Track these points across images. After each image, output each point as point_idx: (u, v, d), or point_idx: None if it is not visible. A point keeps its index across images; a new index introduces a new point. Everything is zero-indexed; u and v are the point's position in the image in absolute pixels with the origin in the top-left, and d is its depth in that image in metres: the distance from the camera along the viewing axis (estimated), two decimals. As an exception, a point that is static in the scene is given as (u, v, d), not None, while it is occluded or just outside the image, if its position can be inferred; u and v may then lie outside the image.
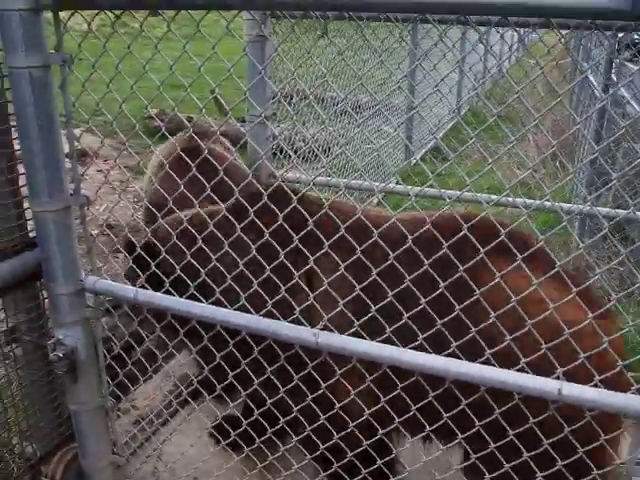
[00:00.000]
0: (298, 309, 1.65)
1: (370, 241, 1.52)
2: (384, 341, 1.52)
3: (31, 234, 1.86)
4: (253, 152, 2.84)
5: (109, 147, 4.21)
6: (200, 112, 1.63)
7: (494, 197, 3.11)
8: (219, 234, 1.74)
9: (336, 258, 1.66)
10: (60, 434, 2.12)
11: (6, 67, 1.59)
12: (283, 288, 1.68)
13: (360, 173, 4.21)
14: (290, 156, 3.62)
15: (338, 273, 1.63)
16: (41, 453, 2.07)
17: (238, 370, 1.83)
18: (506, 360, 1.46)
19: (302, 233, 1.61)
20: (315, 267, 1.67)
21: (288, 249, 1.64)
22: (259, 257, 1.69)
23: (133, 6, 1.52)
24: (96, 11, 1.59)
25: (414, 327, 1.54)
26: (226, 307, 1.70)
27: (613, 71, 4.55)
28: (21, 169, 1.75)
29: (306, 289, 1.75)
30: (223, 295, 1.78)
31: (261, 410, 1.89)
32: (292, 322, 1.61)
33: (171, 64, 1.56)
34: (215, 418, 2.49)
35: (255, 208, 1.63)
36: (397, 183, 5.22)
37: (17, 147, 1.76)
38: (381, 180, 5.34)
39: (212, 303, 1.71)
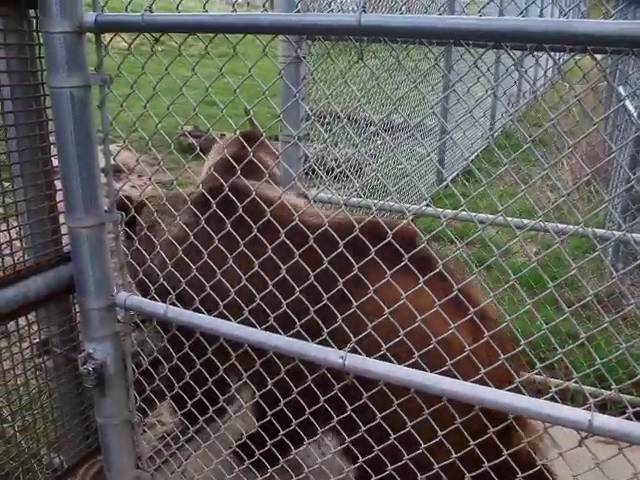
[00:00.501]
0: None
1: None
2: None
3: (65, 249, 1.90)
4: (285, 172, 2.86)
5: (143, 163, 4.28)
6: (234, 130, 1.66)
7: (526, 221, 3.08)
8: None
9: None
10: (87, 447, 2.15)
11: (48, 87, 1.63)
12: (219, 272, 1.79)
13: (392, 195, 4.21)
14: (321, 176, 3.63)
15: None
16: (68, 465, 2.09)
17: (265, 389, 1.83)
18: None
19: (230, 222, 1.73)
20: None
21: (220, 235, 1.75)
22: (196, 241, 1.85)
23: (172, 29, 1.55)
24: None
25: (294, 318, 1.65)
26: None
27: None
28: (58, 185, 1.80)
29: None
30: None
31: (286, 431, 1.89)
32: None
33: (207, 86, 1.58)
34: (240, 437, 2.48)
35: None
36: (428, 205, 5.21)
37: (55, 163, 1.80)
38: (413, 202, 5.33)
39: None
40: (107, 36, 1.67)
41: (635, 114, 4.51)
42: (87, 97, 1.65)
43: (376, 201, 3.44)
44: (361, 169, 4.63)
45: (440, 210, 2.97)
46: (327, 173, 4.07)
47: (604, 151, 6.45)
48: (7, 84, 1.70)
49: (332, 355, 1.56)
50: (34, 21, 1.74)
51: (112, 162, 1.77)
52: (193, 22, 1.52)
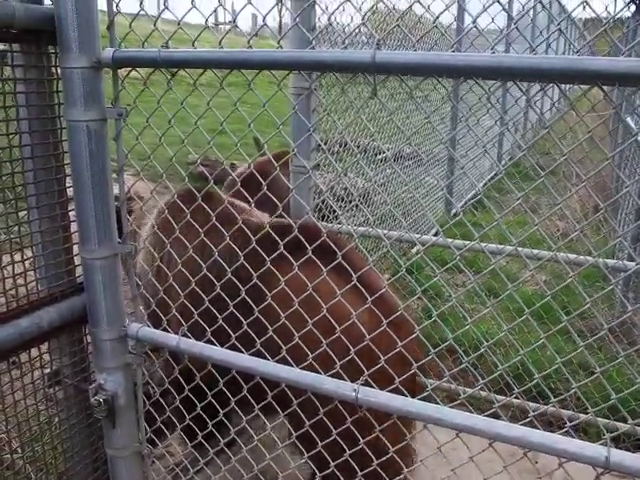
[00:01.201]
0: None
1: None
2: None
3: (79, 279, 1.91)
4: (297, 204, 2.87)
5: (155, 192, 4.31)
6: (244, 159, 1.68)
7: (536, 252, 3.08)
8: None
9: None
10: (96, 478, 2.13)
11: (65, 120, 1.66)
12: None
13: (400, 223, 4.23)
14: (331, 207, 3.65)
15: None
16: (77, 497, 2.07)
17: (277, 421, 1.82)
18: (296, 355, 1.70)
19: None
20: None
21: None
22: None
23: (188, 65, 1.58)
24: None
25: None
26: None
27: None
28: (72, 216, 1.82)
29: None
30: None
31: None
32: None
33: (222, 120, 1.60)
34: (251, 470, 2.46)
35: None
36: (437, 234, 5.22)
37: (70, 194, 1.82)
38: (422, 229, 5.34)
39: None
40: (124, 71, 1.70)
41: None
42: (103, 130, 1.67)
43: (386, 231, 3.44)
44: (370, 198, 4.65)
45: (450, 240, 2.98)
46: (337, 202, 4.08)
47: (612, 180, 6.46)
48: (26, 117, 1.72)
49: (345, 388, 1.56)
50: (53, 56, 1.76)
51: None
52: (209, 58, 1.54)
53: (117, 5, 1.68)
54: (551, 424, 3.23)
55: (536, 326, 1.62)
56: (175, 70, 1.63)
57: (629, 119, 5.74)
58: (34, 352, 1.86)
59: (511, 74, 1.30)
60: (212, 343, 1.73)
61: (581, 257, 3.00)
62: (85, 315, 1.82)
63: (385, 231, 3.40)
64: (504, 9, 1.63)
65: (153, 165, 1.81)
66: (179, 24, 1.62)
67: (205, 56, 1.55)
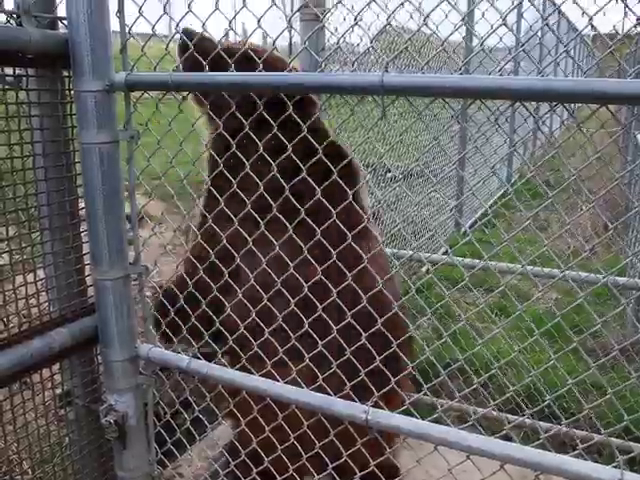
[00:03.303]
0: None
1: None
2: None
3: (90, 300, 1.92)
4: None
5: (165, 211, 4.35)
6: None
7: (546, 270, 3.07)
8: None
9: None
10: (106, 500, 2.13)
11: (79, 143, 1.68)
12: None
13: (409, 242, 4.22)
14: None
15: None
16: (86, 518, 2.07)
17: (287, 444, 1.81)
18: None
19: None
20: None
21: None
22: None
23: (200, 88, 1.60)
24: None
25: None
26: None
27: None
28: (84, 237, 1.84)
29: None
30: None
31: None
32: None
33: (233, 142, 1.62)
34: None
35: None
36: (446, 252, 5.21)
37: (82, 215, 1.84)
38: (431, 247, 5.33)
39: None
40: (137, 94, 1.72)
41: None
42: (115, 152, 1.70)
43: (395, 250, 3.45)
44: (380, 217, 4.66)
45: (460, 259, 2.97)
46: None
47: (623, 197, 6.43)
48: (39, 140, 1.74)
49: (355, 409, 1.55)
50: (67, 80, 1.79)
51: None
52: (221, 81, 1.56)
53: (130, 29, 1.72)
54: (564, 444, 3.19)
55: (547, 346, 1.61)
56: (186, 93, 1.65)
57: (639, 136, 5.73)
58: (45, 372, 1.87)
59: (517, 96, 1.31)
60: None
61: (592, 275, 2.98)
62: (96, 336, 1.83)
63: (395, 250, 3.41)
64: (510, 30, 1.64)
65: (163, 184, 1.83)
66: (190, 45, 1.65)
67: (218, 79, 1.57)
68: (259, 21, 1.56)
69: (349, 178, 1.81)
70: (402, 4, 1.71)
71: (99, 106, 1.64)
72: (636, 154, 6.01)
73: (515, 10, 7.23)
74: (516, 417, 2.97)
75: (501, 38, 2.99)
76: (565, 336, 3.64)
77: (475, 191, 5.75)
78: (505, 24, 1.46)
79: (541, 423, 3.01)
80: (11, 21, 1.67)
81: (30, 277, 1.81)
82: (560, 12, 9.82)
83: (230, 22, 1.71)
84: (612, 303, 4.35)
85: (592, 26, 1.40)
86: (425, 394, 1.60)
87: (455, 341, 3.58)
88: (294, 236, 1.65)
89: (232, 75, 1.55)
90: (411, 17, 3.27)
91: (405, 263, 4.19)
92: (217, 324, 1.86)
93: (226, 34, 2.02)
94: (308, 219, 1.57)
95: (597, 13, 1.36)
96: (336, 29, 3.38)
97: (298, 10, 2.68)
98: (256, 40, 2.19)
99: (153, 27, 1.70)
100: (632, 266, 4.91)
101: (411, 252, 3.22)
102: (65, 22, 1.67)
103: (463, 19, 1.55)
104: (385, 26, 3.50)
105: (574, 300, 1.45)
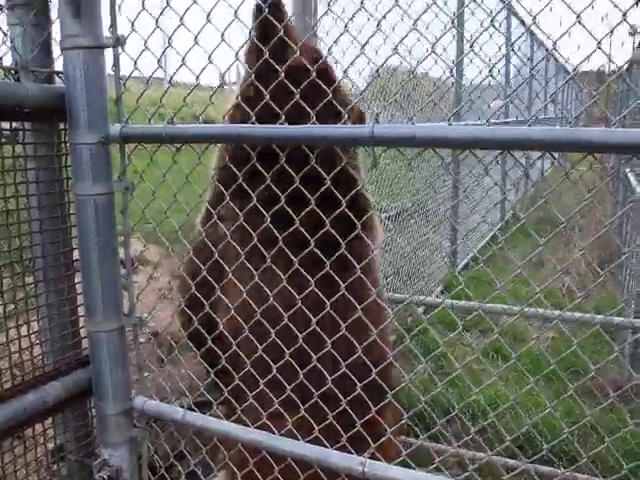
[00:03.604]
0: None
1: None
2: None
3: (84, 351, 1.91)
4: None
5: (158, 255, 4.37)
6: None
7: (542, 311, 3.06)
8: None
9: None
10: None
11: (74, 194, 1.69)
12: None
13: (405, 282, 4.22)
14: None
15: None
16: None
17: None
18: None
19: None
20: None
21: None
22: None
23: (194, 140, 1.62)
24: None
25: None
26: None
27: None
28: (79, 289, 1.83)
29: None
30: None
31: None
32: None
33: (226, 193, 1.63)
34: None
35: None
36: (442, 292, 5.22)
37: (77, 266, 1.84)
38: (426, 287, 5.33)
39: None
40: (131, 146, 1.74)
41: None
42: (110, 203, 1.70)
43: (390, 293, 3.45)
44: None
45: (454, 302, 2.97)
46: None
47: (615, 233, 6.49)
48: (35, 193, 1.76)
49: (352, 462, 1.53)
50: (62, 132, 1.81)
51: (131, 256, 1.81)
52: (214, 134, 1.59)
53: (125, 82, 1.74)
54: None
55: (544, 388, 1.60)
56: (180, 145, 1.67)
57: (630, 174, 5.79)
58: (38, 426, 1.85)
59: (503, 146, 1.33)
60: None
61: (587, 315, 2.98)
62: (90, 388, 1.81)
63: (390, 293, 3.40)
64: (495, 78, 1.67)
65: (160, 229, 1.84)
66: (185, 99, 1.67)
67: (211, 132, 1.59)
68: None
69: (367, 233, 1.80)
70: (396, 50, 1.75)
71: (94, 158, 1.65)
72: (626, 195, 6.08)
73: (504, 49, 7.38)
74: (515, 461, 2.93)
75: (492, 76, 3.04)
76: (562, 376, 3.62)
77: (471, 231, 5.79)
78: (492, 75, 1.49)
79: (541, 467, 2.97)
80: (9, 77, 1.70)
81: (24, 329, 1.80)
82: (548, 50, 10.03)
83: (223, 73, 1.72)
84: (608, 342, 4.35)
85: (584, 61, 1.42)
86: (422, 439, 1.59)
87: (451, 383, 3.55)
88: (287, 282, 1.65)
89: (226, 127, 1.58)
90: (401, 61, 3.34)
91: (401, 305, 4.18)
92: (212, 375, 1.85)
93: (223, 75, 2.04)
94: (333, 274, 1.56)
95: (583, 59, 1.40)
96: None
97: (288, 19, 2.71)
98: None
99: (147, 80, 1.73)
100: (627, 303, 4.91)
101: (408, 296, 3.21)
102: (62, 76, 1.70)
103: (454, 62, 1.58)
104: (378, 69, 3.56)
105: (570, 339, 1.45)
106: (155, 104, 1.82)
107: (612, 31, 1.29)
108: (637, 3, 1.22)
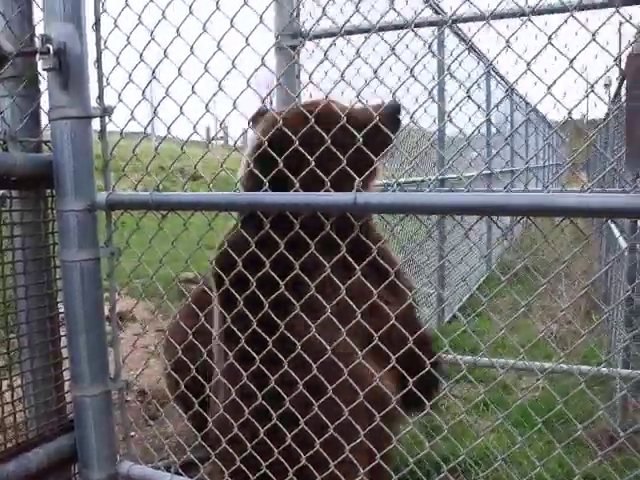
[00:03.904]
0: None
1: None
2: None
3: (69, 416, 1.89)
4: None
5: (146, 311, 4.37)
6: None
7: (530, 363, 3.07)
8: None
9: None
10: None
11: (60, 260, 1.71)
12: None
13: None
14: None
15: None
16: None
17: None
18: None
19: None
20: None
21: None
22: None
23: (180, 208, 1.66)
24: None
25: None
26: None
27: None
28: (65, 353, 1.83)
29: None
30: None
31: None
32: None
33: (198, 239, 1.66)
34: None
35: None
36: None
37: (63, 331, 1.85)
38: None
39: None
40: (117, 213, 1.77)
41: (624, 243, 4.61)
42: (96, 269, 1.73)
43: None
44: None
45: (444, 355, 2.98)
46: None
47: (602, 280, 6.53)
48: (21, 259, 1.77)
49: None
50: (49, 199, 1.84)
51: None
52: (199, 202, 1.62)
53: (112, 151, 1.79)
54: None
55: (531, 440, 1.61)
56: (166, 212, 1.70)
57: (612, 225, 5.88)
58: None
59: (481, 211, 1.37)
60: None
61: (574, 367, 3.01)
62: (74, 454, 1.79)
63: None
64: (489, 120, 1.72)
65: (148, 285, 1.86)
66: (173, 167, 1.72)
67: (195, 200, 1.63)
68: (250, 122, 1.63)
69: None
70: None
71: (81, 225, 1.68)
72: (610, 241, 6.16)
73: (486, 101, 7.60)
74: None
75: (478, 128, 3.13)
76: (554, 427, 3.60)
77: (458, 280, 5.83)
78: (476, 124, 1.55)
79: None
80: (-2, 147, 1.73)
81: (7, 395, 1.79)
82: (528, 104, 10.30)
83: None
84: (599, 388, 4.34)
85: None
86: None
87: (443, 437, 3.51)
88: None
89: (207, 195, 1.61)
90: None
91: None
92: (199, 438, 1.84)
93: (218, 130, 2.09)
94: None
95: (574, 107, 1.45)
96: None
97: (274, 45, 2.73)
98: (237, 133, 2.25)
99: (133, 150, 1.77)
100: (612, 353, 4.92)
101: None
102: (50, 144, 1.74)
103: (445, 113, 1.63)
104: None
105: (560, 388, 1.46)
106: (147, 155, 1.84)
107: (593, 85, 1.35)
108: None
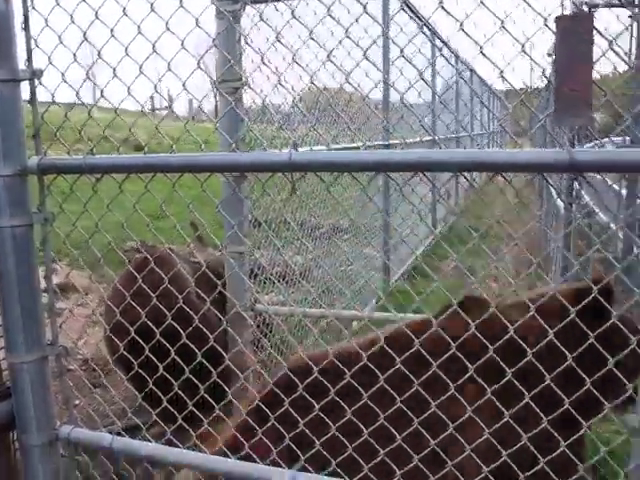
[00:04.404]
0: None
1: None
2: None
3: (6, 383, 1.87)
4: (232, 285, 2.91)
5: (88, 279, 4.29)
6: (182, 243, 1.72)
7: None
8: None
9: None
10: None
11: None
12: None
13: (340, 297, 4.28)
14: (269, 281, 3.72)
15: None
16: None
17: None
18: None
19: None
20: None
21: None
22: None
23: (113, 171, 1.63)
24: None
25: None
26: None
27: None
28: None
29: None
30: None
31: None
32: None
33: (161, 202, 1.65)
34: None
35: None
36: (377, 302, 5.30)
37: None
38: (363, 300, 5.41)
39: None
40: (50, 177, 1.73)
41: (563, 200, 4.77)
42: (29, 235, 1.70)
43: (325, 310, 3.50)
44: (309, 273, 4.72)
45: (389, 314, 3.05)
46: (278, 280, 4.14)
47: (542, 237, 6.76)
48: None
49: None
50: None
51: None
52: (132, 164, 1.60)
53: (42, 116, 1.74)
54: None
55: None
56: (100, 176, 1.67)
57: (551, 187, 6.06)
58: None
59: (417, 167, 1.40)
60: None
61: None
62: (12, 421, 1.78)
63: (325, 309, 3.46)
64: (428, 85, 1.75)
65: (87, 253, 1.84)
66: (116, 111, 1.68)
67: (127, 162, 1.61)
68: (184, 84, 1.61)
69: None
70: (323, 64, 1.80)
71: (11, 191, 1.65)
72: (549, 194, 6.35)
73: (430, 68, 7.65)
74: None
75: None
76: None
77: (402, 243, 5.91)
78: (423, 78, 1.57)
79: None
80: None
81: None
82: (472, 71, 10.40)
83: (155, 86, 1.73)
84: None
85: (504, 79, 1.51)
86: None
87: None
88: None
89: (141, 157, 1.59)
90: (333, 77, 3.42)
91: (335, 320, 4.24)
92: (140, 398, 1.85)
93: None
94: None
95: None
96: (261, 90, 3.43)
97: (219, 79, 2.76)
98: (182, 103, 2.21)
99: (65, 114, 1.73)
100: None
101: (340, 311, 3.28)
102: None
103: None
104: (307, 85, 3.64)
105: None
106: (87, 125, 1.81)
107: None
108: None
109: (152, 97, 1.95)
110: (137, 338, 1.83)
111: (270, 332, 3.79)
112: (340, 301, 4.67)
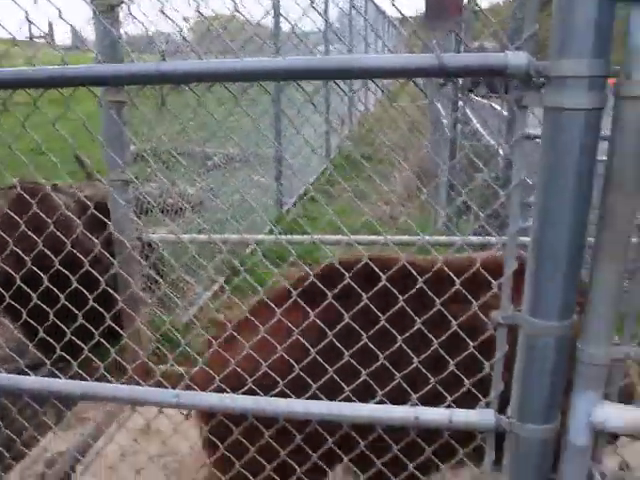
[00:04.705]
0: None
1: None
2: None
3: None
4: (115, 214, 2.82)
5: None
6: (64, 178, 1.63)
7: (370, 237, 3.24)
8: None
9: None
10: None
11: None
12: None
13: (235, 226, 4.24)
14: (160, 213, 3.64)
15: None
16: None
17: None
18: None
19: None
20: None
21: None
22: None
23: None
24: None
25: None
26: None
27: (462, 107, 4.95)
28: None
29: None
30: None
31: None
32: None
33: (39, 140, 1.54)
34: None
35: None
36: (271, 231, 5.33)
37: None
38: (256, 229, 5.40)
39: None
40: None
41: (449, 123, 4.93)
42: None
43: (219, 236, 3.47)
44: (202, 203, 4.65)
45: (285, 237, 3.07)
46: (169, 212, 4.05)
47: (431, 161, 6.98)
48: None
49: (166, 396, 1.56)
50: None
51: None
52: (12, 79, 1.47)
53: None
54: None
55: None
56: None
57: (439, 105, 6.23)
58: None
59: (289, 76, 1.38)
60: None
61: (414, 237, 3.18)
62: None
63: (218, 236, 3.41)
64: (320, 14, 1.72)
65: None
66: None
67: (7, 77, 1.47)
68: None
69: None
70: None
71: None
72: (439, 123, 6.53)
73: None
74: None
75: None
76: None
77: (297, 170, 5.93)
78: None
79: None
80: None
81: None
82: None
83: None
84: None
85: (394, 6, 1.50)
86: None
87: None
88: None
89: (23, 71, 1.47)
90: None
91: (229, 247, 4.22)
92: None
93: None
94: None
95: None
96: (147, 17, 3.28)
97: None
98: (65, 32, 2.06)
99: None
100: (447, 226, 5.35)
101: (234, 236, 3.26)
102: None
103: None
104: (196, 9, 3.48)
105: None
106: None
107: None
108: None
109: (30, 25, 1.81)
110: (24, 287, 1.75)
111: (163, 267, 3.74)
112: (232, 231, 4.65)
